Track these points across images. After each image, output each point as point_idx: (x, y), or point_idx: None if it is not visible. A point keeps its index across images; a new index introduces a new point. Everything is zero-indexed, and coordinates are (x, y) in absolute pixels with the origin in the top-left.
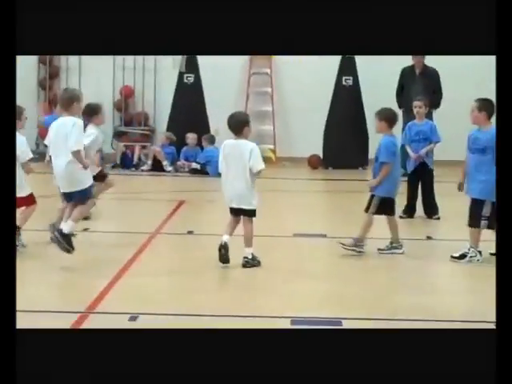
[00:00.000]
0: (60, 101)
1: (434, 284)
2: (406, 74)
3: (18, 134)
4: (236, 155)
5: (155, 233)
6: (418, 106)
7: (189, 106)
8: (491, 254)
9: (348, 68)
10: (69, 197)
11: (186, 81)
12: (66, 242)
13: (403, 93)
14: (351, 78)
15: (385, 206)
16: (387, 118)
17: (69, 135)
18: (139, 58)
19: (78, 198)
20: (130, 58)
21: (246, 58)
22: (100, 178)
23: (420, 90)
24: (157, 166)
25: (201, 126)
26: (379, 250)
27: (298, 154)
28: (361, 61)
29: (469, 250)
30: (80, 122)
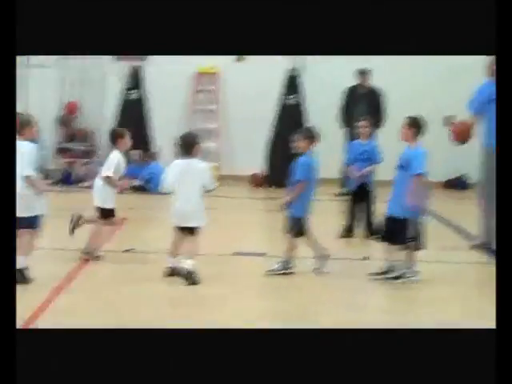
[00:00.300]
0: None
1: (365, 302)
2: (351, 93)
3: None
4: (190, 174)
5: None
6: (362, 125)
7: (133, 123)
8: (387, 278)
9: (292, 86)
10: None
11: (130, 97)
12: (22, 276)
13: (347, 112)
14: (295, 96)
15: (300, 227)
16: (311, 136)
17: (20, 160)
18: (85, 72)
19: (24, 225)
20: (75, 73)
21: (191, 74)
22: (106, 214)
23: (364, 109)
24: None
25: (145, 142)
26: (315, 269)
27: (241, 171)
28: (305, 79)
29: (404, 270)
30: (31, 146)
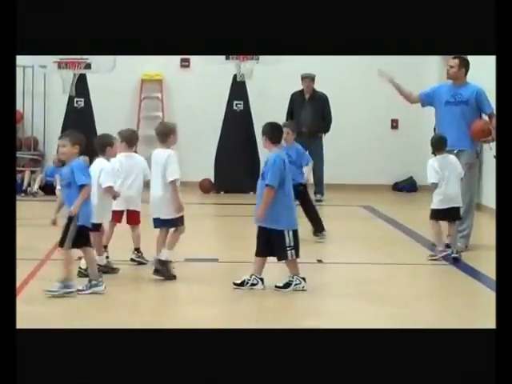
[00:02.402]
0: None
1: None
2: (296, 99)
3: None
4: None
5: (45, 259)
6: (285, 132)
7: (79, 131)
8: (276, 287)
9: (239, 92)
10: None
11: (76, 105)
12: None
13: (293, 117)
14: (242, 102)
15: (82, 237)
16: (79, 142)
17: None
18: (28, 81)
19: (170, 224)
20: (19, 82)
21: (136, 81)
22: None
23: (309, 114)
24: (48, 190)
25: (91, 150)
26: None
27: (189, 178)
28: (251, 85)
29: (292, 277)
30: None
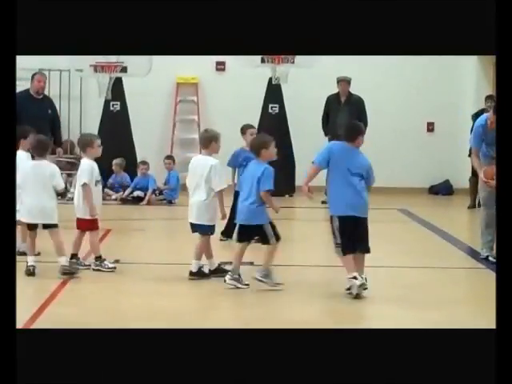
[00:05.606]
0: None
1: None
2: (332, 102)
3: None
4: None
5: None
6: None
7: (115, 134)
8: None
9: (274, 96)
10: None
11: (112, 108)
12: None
13: (329, 120)
14: (277, 105)
15: None
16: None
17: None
18: (65, 85)
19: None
20: (56, 85)
21: (172, 85)
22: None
23: (345, 117)
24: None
25: (128, 154)
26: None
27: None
28: (287, 88)
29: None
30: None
